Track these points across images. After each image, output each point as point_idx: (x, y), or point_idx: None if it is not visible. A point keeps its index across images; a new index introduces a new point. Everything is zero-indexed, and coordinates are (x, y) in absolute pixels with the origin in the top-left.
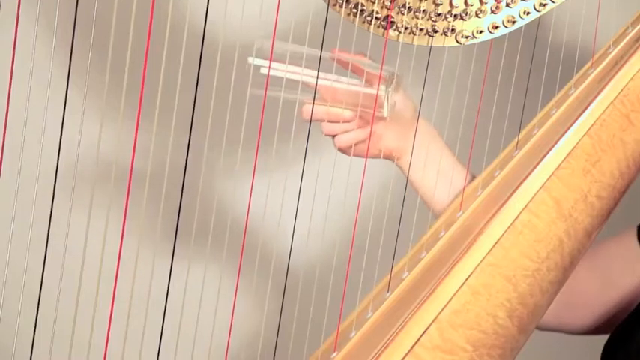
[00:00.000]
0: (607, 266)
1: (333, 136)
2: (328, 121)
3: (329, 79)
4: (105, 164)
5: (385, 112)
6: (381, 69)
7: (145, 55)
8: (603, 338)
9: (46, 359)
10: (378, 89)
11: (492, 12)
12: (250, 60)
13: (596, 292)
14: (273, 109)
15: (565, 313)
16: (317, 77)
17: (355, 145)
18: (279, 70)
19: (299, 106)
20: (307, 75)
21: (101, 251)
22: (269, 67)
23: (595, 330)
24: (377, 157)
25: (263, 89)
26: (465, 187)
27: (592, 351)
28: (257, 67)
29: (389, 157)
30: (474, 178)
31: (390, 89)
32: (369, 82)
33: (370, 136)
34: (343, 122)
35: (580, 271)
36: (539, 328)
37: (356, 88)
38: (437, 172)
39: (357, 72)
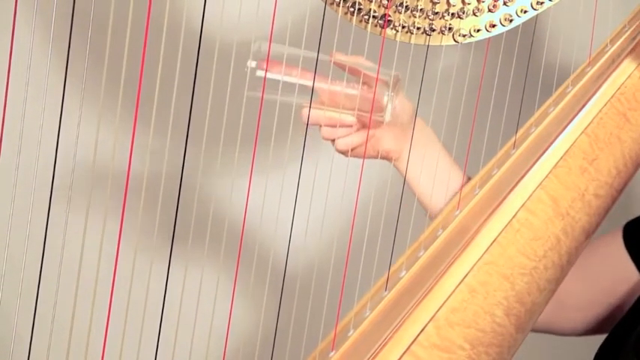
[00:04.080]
0: (591, 267)
1: (332, 140)
2: (327, 126)
3: (327, 84)
4: (102, 166)
5: (387, 116)
6: (378, 71)
7: (143, 54)
8: (599, 341)
9: (44, 357)
10: (374, 92)
11: (490, 10)
12: (249, 63)
13: (580, 293)
14: (271, 109)
15: (553, 315)
16: (314, 80)
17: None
18: (276, 73)
19: (297, 107)
20: (305, 79)
21: (98, 253)
22: (266, 69)
23: (586, 332)
24: (375, 157)
25: (260, 92)
26: (462, 187)
27: (588, 351)
28: (254, 70)
29: (386, 158)
30: (469, 179)
31: (392, 93)
32: (367, 85)
33: (368, 139)
34: (343, 127)
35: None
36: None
37: (356, 92)
38: (434, 173)
39: (354, 74)
